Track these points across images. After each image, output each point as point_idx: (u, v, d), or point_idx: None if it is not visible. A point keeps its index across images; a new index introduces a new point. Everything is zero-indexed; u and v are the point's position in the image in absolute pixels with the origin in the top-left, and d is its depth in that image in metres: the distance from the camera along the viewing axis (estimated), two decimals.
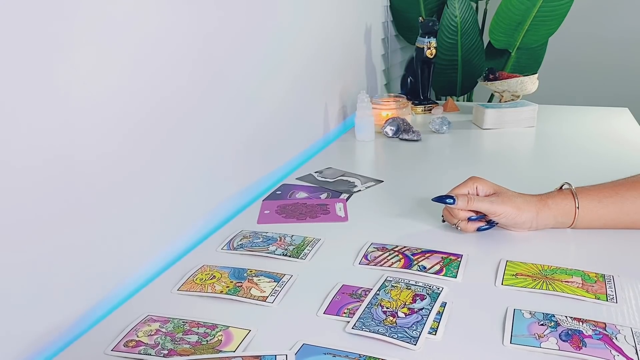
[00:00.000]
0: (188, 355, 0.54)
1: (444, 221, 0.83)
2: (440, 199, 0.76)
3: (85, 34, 0.61)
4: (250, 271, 0.70)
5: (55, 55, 0.57)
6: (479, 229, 0.78)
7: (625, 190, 0.76)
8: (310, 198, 0.96)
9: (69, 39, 0.59)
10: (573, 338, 0.55)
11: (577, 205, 0.76)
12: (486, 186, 0.78)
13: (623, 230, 0.78)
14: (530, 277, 0.67)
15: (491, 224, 0.77)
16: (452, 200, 0.76)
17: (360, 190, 1.00)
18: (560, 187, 0.79)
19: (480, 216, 0.77)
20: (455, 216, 0.78)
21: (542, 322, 0.58)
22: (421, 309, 0.60)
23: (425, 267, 0.70)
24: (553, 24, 1.82)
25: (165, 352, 0.55)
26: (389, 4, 1.79)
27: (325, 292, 0.65)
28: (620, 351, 0.53)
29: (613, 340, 0.54)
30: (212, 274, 0.69)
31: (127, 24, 0.67)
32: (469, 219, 0.77)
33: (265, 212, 0.91)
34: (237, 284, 0.67)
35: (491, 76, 1.55)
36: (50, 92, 0.57)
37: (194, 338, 0.57)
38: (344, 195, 0.97)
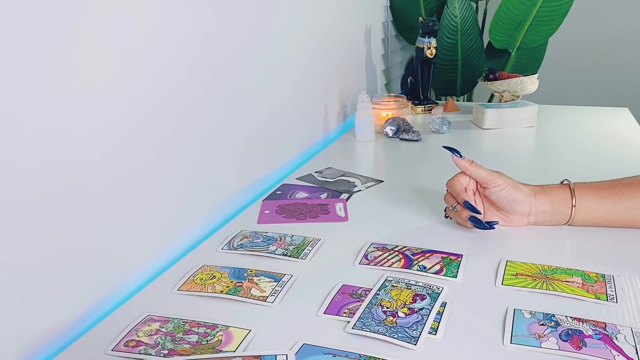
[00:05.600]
0: (188, 355, 0.54)
1: (446, 216, 0.83)
2: (450, 149, 0.79)
3: (86, 35, 0.61)
4: (251, 271, 0.70)
5: (55, 57, 0.57)
6: (471, 219, 0.77)
7: (623, 185, 0.77)
8: (311, 198, 0.96)
9: (69, 41, 0.59)
10: (573, 338, 0.55)
11: (573, 192, 0.77)
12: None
13: (623, 230, 0.78)
14: (530, 277, 0.67)
15: (489, 224, 0.77)
16: (458, 154, 0.78)
17: (360, 190, 1.00)
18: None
19: (480, 224, 0.77)
20: (458, 195, 0.78)
21: (542, 322, 0.58)
22: (421, 309, 0.60)
23: (425, 267, 0.70)
24: (553, 24, 1.82)
25: (166, 352, 0.55)
26: (389, 4, 1.79)
27: (325, 292, 0.65)
28: (620, 351, 0.53)
29: (613, 340, 0.54)
30: (212, 274, 0.69)
31: (127, 24, 0.67)
32: (470, 219, 0.77)
33: (266, 212, 0.91)
34: (237, 284, 0.67)
35: (491, 76, 1.56)
36: (50, 94, 0.57)
37: (194, 338, 0.57)
38: (344, 195, 0.97)
